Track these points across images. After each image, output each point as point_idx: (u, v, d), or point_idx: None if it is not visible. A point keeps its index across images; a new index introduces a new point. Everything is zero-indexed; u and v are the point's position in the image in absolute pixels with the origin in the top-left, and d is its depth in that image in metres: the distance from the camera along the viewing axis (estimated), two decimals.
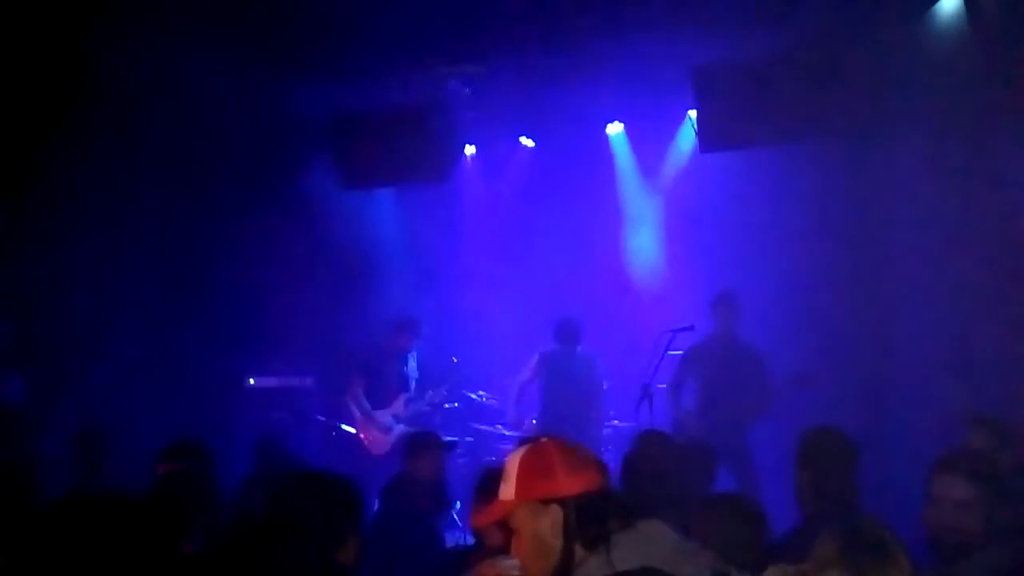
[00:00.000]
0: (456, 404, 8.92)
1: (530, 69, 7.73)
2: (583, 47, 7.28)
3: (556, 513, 2.38)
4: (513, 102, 8.52)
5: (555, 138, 9.56)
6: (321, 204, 9.22)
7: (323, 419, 8.66)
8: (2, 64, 6.53)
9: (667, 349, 7.01)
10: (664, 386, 7.30)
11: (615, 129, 9.49)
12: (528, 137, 9.81)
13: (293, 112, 8.34)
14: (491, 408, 8.94)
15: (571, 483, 2.39)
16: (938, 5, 6.48)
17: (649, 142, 9.44)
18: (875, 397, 7.15)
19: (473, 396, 8.93)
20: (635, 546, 2.40)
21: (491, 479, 3.25)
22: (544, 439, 2.51)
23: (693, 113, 8.28)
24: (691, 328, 7.16)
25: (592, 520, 2.39)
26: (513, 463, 2.48)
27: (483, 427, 8.81)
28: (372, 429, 8.33)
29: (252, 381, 9.02)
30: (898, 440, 6.42)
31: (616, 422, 8.58)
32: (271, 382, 9.07)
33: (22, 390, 7.35)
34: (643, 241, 9.42)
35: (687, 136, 8.87)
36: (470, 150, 9.86)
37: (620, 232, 9.50)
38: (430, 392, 8.44)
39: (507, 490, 2.47)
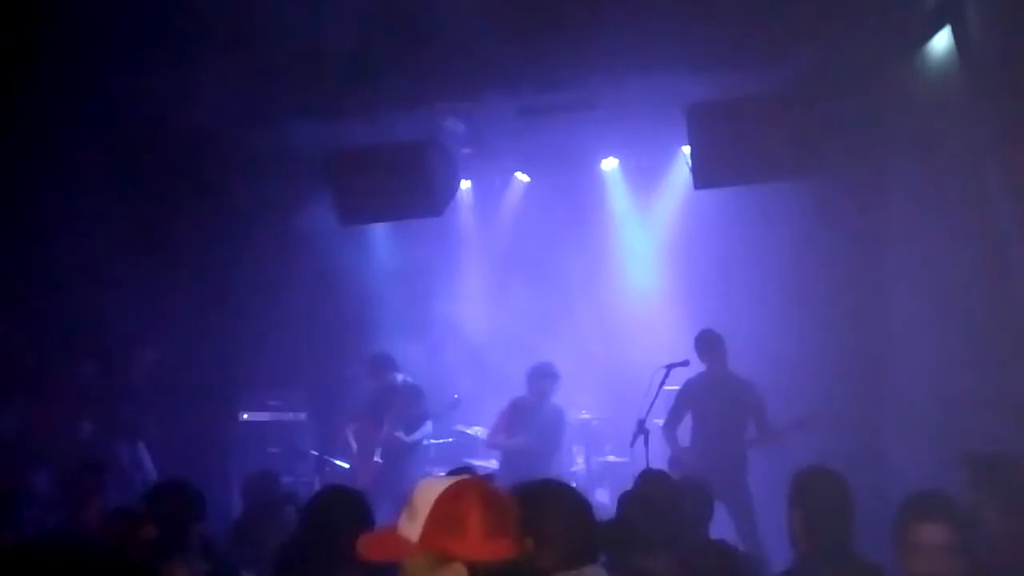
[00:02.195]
0: (450, 439, 8.92)
1: (525, 106, 7.80)
2: (577, 85, 7.36)
3: (458, 574, 2.13)
4: (508, 138, 8.59)
5: (550, 173, 9.63)
6: (318, 240, 9.25)
7: (316, 453, 8.65)
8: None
9: (662, 384, 7.02)
10: (660, 423, 7.32)
11: (610, 165, 9.56)
12: (523, 172, 9.87)
13: (291, 149, 8.38)
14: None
15: (482, 547, 2.12)
16: (930, 44, 6.55)
17: (643, 178, 9.51)
18: (869, 432, 7.16)
19: (468, 431, 8.93)
20: None
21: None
22: (471, 482, 2.23)
23: (687, 149, 8.34)
24: (686, 363, 7.18)
25: None
26: (426, 498, 2.19)
27: (477, 463, 8.78)
28: (363, 463, 8.37)
29: (246, 416, 9.02)
30: (893, 474, 6.43)
31: (611, 458, 8.57)
32: (265, 417, 9.07)
33: (18, 423, 7.33)
34: (637, 276, 9.46)
35: (681, 172, 8.93)
36: (466, 185, 9.91)
37: (614, 267, 9.54)
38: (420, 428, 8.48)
39: (411, 529, 2.18)
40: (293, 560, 3.59)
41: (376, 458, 8.42)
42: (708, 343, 7.47)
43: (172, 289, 8.38)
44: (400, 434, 8.41)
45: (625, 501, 3.97)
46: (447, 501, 2.16)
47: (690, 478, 4.43)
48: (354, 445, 8.55)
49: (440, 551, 2.13)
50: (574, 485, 7.72)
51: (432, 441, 8.94)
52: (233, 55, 6.63)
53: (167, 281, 8.38)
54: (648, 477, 4.48)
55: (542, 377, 8.07)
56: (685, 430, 7.57)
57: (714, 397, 7.41)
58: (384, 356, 8.64)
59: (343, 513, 3.64)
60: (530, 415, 8.08)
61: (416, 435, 8.50)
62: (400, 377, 8.56)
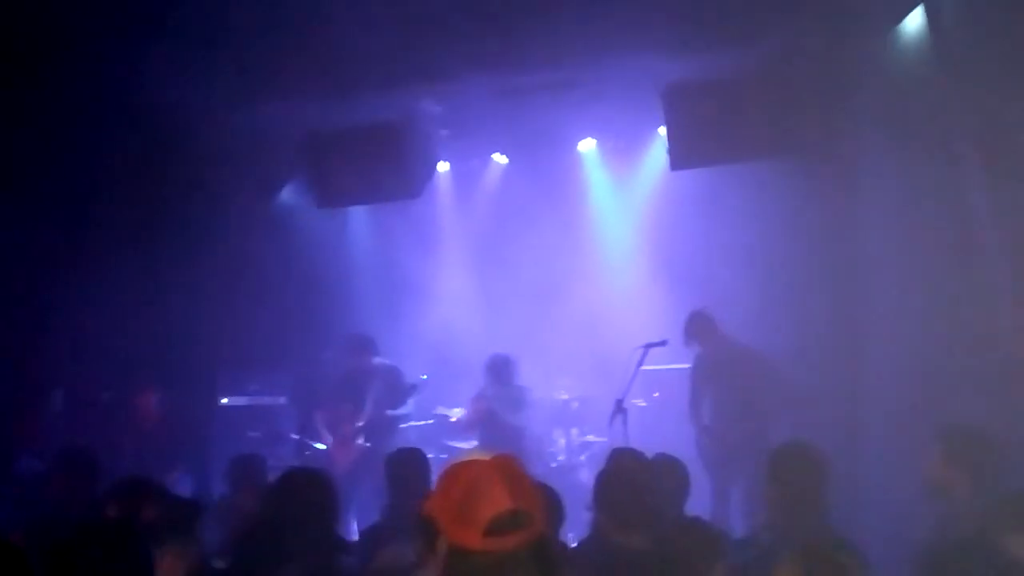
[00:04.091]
0: (431, 421, 8.94)
1: (502, 87, 7.79)
2: (554, 65, 7.35)
3: (443, 548, 2.19)
4: (486, 120, 8.56)
5: (528, 155, 9.62)
6: (295, 222, 9.23)
7: (296, 437, 8.65)
8: None
9: (640, 364, 7.06)
10: (640, 402, 7.39)
11: (587, 146, 9.56)
12: (501, 154, 9.86)
13: (266, 131, 8.34)
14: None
15: (449, 527, 2.17)
16: (903, 23, 6.58)
17: (621, 159, 9.53)
18: (847, 410, 7.22)
19: (447, 413, 8.95)
20: None
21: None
22: (469, 463, 2.26)
23: (663, 130, 8.36)
24: (664, 343, 7.23)
25: (454, 572, 2.16)
26: (443, 468, 2.30)
27: (456, 444, 8.81)
28: (338, 445, 8.38)
29: (225, 400, 9.00)
30: (871, 452, 6.51)
31: (591, 437, 8.63)
32: (245, 401, 9.06)
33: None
34: (616, 256, 9.49)
35: (658, 153, 8.95)
36: (443, 167, 9.89)
37: (593, 248, 9.56)
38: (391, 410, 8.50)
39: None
40: (253, 539, 3.68)
41: (359, 441, 8.39)
42: (696, 325, 7.54)
43: (148, 273, 8.32)
44: (388, 411, 8.42)
45: (600, 481, 4.00)
46: (450, 471, 2.23)
47: (664, 455, 4.45)
48: (325, 430, 8.50)
49: (436, 519, 2.19)
50: (553, 466, 7.76)
51: (413, 423, 8.97)
52: (207, 36, 6.58)
53: (143, 265, 8.32)
54: (620, 455, 4.51)
55: (497, 368, 8.14)
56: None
57: (726, 374, 7.48)
58: (360, 338, 8.60)
59: (303, 494, 3.83)
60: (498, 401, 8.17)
61: (401, 411, 8.52)
62: (376, 359, 8.55)
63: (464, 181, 10.08)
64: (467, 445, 8.70)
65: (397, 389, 8.52)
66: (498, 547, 2.15)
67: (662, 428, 7.91)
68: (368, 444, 8.32)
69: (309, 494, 3.87)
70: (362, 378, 8.47)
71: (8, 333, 7.46)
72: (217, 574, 3.87)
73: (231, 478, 5.82)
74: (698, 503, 4.85)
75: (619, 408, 6.76)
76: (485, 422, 8.20)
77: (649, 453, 4.49)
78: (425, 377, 8.71)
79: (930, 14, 6.20)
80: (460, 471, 2.25)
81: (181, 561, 3.42)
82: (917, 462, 4.23)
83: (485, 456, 2.26)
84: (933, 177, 6.34)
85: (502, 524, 2.15)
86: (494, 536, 2.15)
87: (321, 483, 3.98)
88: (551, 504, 3.65)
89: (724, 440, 7.36)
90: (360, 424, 8.40)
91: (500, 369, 8.13)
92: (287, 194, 9.17)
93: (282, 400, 9.10)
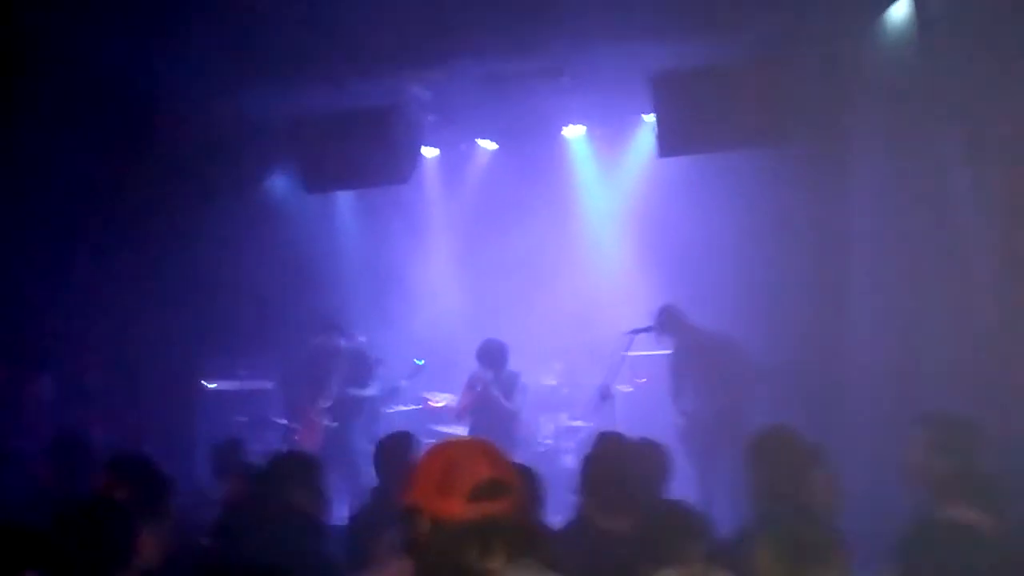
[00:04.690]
0: (419, 407, 8.97)
1: (490, 73, 7.78)
2: (542, 52, 7.35)
3: (424, 528, 2.22)
4: (474, 105, 8.54)
5: (515, 141, 9.62)
6: (282, 207, 9.23)
7: (283, 422, 8.65)
8: None
9: (627, 350, 7.09)
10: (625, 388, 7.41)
11: (575, 132, 9.56)
12: (489, 140, 9.85)
13: (254, 115, 8.31)
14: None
15: (431, 502, 2.21)
16: (889, 11, 6.60)
17: (609, 145, 9.53)
18: (828, 399, 7.26)
19: (434, 399, 8.97)
20: None
21: None
22: (445, 445, 2.34)
23: (651, 117, 8.37)
24: (649, 329, 7.26)
25: (440, 548, 2.20)
26: (422, 455, 2.36)
27: (443, 429, 8.83)
28: (307, 427, 8.44)
29: (211, 385, 9.00)
30: (850, 440, 6.54)
31: (579, 423, 8.66)
32: (232, 385, 9.06)
33: None
34: (604, 243, 9.50)
35: (646, 140, 8.96)
36: (431, 152, 9.87)
37: (581, 235, 9.57)
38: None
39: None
40: (238, 519, 3.73)
41: (325, 422, 8.43)
42: (670, 318, 7.56)
43: (137, 259, 8.31)
44: (354, 390, 8.46)
45: (584, 465, 4.03)
46: (427, 455, 2.29)
47: (646, 439, 4.48)
48: (293, 413, 8.53)
49: (411, 502, 2.23)
50: (540, 451, 7.77)
51: (401, 408, 8.97)
52: (194, 22, 6.55)
53: (132, 250, 8.31)
54: (603, 439, 4.53)
55: (490, 353, 8.16)
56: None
57: (697, 363, 7.53)
58: (325, 319, 8.64)
59: (289, 477, 3.96)
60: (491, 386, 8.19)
61: (368, 391, 8.56)
62: (341, 340, 8.57)
63: (452, 167, 10.07)
64: (453, 431, 8.72)
65: (362, 368, 8.54)
66: (483, 512, 2.18)
67: (648, 413, 7.94)
68: (335, 424, 8.35)
69: (297, 478, 3.91)
70: (326, 359, 8.48)
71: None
72: (201, 550, 3.89)
73: (213, 463, 5.84)
74: (685, 491, 4.89)
75: (605, 393, 6.79)
76: (480, 407, 8.21)
77: (634, 438, 4.52)
78: (422, 362, 8.71)
79: (917, 1, 6.22)
80: (438, 452, 2.30)
81: (155, 539, 3.34)
82: (899, 450, 4.26)
83: (462, 438, 2.30)
84: (919, 166, 6.37)
85: (485, 490, 2.19)
86: (478, 502, 2.18)
87: (310, 466, 4.01)
88: (532, 485, 3.68)
89: (701, 424, 7.36)
90: (326, 405, 8.42)
91: (494, 354, 8.14)
92: (275, 180, 9.15)
93: (269, 385, 9.09)
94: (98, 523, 2.98)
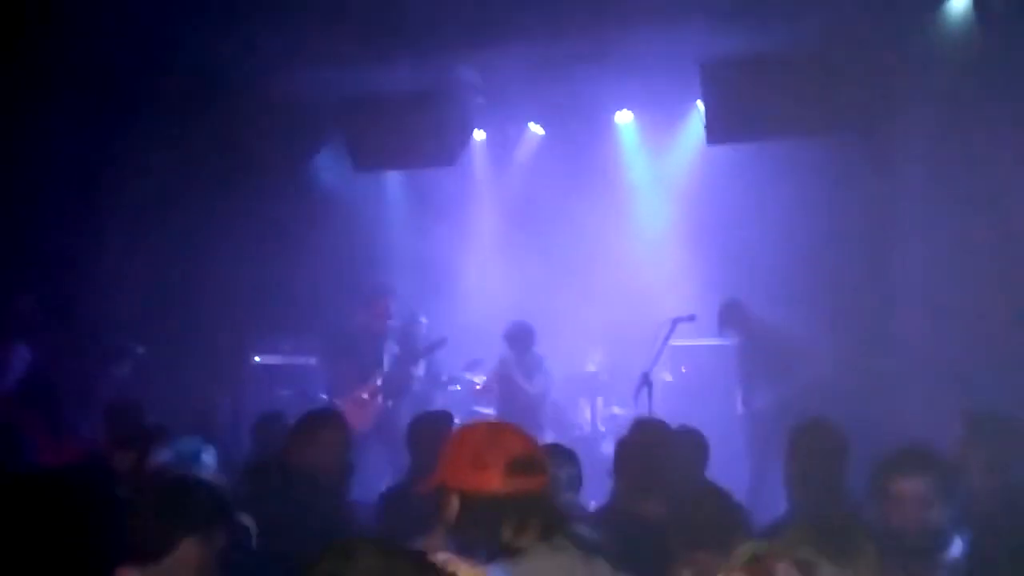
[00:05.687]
0: (458, 387, 9.02)
1: (540, 57, 7.76)
2: (592, 35, 7.31)
3: (455, 505, 2.24)
4: (523, 89, 8.54)
5: (564, 125, 9.58)
6: (331, 186, 9.31)
7: (326, 397, 8.74)
8: None
9: (667, 338, 7.07)
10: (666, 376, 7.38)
11: (624, 118, 9.51)
12: (537, 124, 9.84)
13: (304, 95, 8.39)
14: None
15: (465, 477, 2.21)
16: (947, 6, 6.48)
17: (658, 131, 9.46)
18: (873, 391, 7.18)
19: (475, 380, 9.01)
20: (544, 559, 2.20)
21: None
22: (477, 424, 2.40)
23: (701, 104, 8.30)
24: (692, 318, 7.22)
25: (474, 523, 2.21)
26: (450, 437, 2.41)
27: (484, 410, 8.88)
28: (355, 405, 8.46)
29: (258, 359, 9.12)
30: (894, 435, 6.46)
31: (616, 409, 8.65)
32: (276, 360, 9.17)
33: (30, 361, 7.43)
34: (650, 229, 9.45)
35: (695, 127, 8.88)
36: (480, 135, 9.89)
37: (627, 221, 9.53)
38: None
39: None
40: (264, 472, 3.76)
41: (380, 400, 8.48)
42: (734, 313, 7.66)
43: (183, 234, 8.45)
44: (404, 369, 8.48)
45: (620, 449, 4.04)
46: (455, 436, 2.35)
47: (685, 425, 4.47)
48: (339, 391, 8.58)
49: (443, 481, 2.26)
50: (577, 435, 7.77)
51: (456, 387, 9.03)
52: (247, 2, 6.63)
53: (181, 226, 8.46)
54: (641, 424, 4.54)
55: (515, 335, 8.17)
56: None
57: (762, 359, 7.63)
58: (376, 297, 8.60)
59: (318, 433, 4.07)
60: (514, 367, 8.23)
61: (418, 371, 8.60)
62: (390, 319, 8.60)
63: (500, 150, 10.07)
64: (490, 411, 8.78)
65: (413, 348, 8.58)
66: (522, 487, 2.19)
67: (689, 402, 7.92)
68: (388, 403, 8.41)
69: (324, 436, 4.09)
70: (373, 337, 8.53)
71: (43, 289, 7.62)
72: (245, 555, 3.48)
73: (255, 436, 5.92)
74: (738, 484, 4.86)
75: (645, 381, 6.78)
76: (501, 388, 8.24)
77: (673, 425, 4.51)
78: (445, 337, 8.70)
79: None
80: (466, 432, 2.34)
81: (200, 550, 2.84)
82: (938, 436, 4.21)
83: (491, 419, 2.34)
84: (975, 157, 6.27)
85: (521, 465, 2.20)
86: (515, 476, 2.19)
87: (337, 424, 4.21)
88: (572, 467, 3.71)
89: (766, 417, 7.35)
90: (379, 383, 8.48)
91: (518, 336, 8.16)
92: (324, 158, 9.23)
93: (313, 360, 9.18)
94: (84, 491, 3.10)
